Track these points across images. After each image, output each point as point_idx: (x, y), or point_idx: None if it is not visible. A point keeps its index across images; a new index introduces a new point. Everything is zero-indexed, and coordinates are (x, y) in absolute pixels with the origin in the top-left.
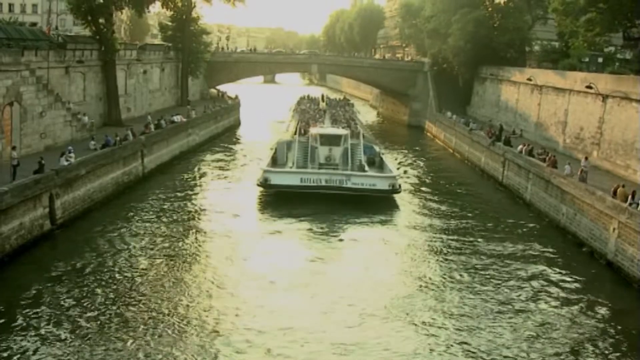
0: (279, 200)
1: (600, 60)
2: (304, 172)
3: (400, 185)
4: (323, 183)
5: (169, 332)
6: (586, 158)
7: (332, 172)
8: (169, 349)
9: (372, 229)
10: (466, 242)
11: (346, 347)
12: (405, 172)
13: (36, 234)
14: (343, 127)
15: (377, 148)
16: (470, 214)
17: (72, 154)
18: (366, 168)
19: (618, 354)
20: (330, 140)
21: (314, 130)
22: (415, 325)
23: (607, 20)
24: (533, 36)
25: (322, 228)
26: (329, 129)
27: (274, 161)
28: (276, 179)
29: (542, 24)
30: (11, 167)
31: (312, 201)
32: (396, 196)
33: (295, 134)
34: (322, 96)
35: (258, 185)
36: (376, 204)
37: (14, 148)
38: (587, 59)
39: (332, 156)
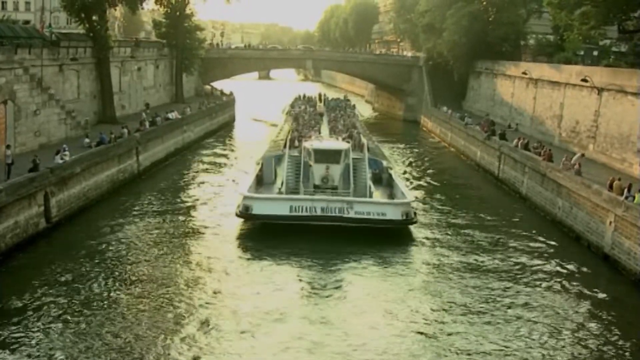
0: (263, 234)
1: (595, 53)
2: (294, 198)
3: (415, 213)
4: (318, 212)
5: (163, 327)
6: (583, 155)
7: (330, 199)
8: (163, 343)
9: (381, 277)
10: (462, 238)
11: None
12: (403, 171)
13: (31, 233)
14: (343, 138)
15: (385, 162)
16: (466, 210)
17: (66, 152)
18: (372, 190)
19: (615, 347)
20: (328, 156)
21: (307, 144)
22: None
23: (602, 13)
24: (528, 30)
25: (314, 277)
26: (325, 142)
27: (259, 180)
28: (260, 208)
29: (537, 17)
30: (5, 165)
31: (304, 235)
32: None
33: (285, 146)
34: (320, 96)
35: (237, 215)
36: (385, 236)
37: (8, 147)
38: (582, 52)
39: (329, 176)
